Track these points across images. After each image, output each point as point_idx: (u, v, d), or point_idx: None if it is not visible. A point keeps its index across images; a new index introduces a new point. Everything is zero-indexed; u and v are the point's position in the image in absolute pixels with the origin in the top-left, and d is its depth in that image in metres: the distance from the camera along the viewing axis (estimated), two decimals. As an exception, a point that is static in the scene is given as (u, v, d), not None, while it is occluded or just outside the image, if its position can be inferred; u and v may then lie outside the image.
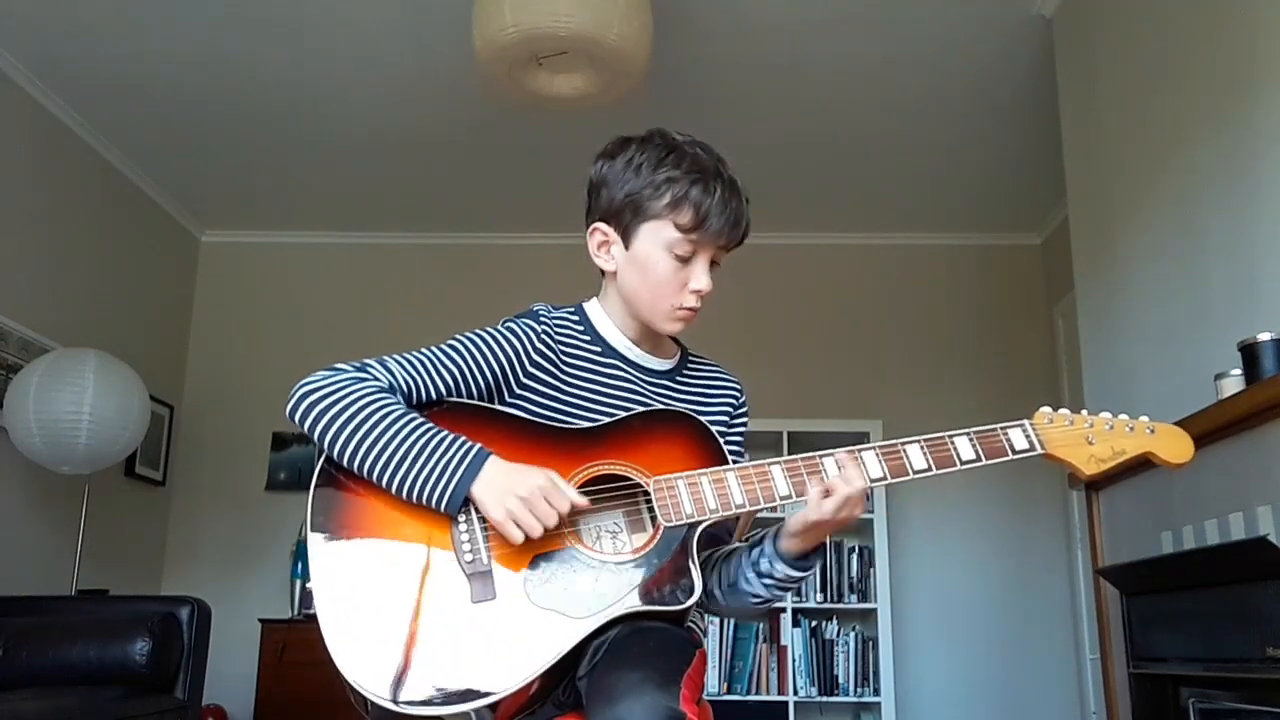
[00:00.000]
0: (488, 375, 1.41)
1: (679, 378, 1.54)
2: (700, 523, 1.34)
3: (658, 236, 1.41)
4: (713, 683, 4.60)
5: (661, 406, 1.47)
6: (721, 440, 1.43)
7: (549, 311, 1.49)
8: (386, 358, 1.38)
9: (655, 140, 1.44)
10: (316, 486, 1.33)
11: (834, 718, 4.85)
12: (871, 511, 4.81)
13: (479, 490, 1.28)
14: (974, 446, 1.38)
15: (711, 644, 4.63)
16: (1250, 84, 2.37)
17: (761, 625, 4.76)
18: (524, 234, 5.32)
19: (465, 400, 1.41)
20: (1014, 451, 1.39)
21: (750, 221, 1.46)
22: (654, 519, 1.35)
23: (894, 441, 1.39)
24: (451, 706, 1.19)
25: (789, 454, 1.39)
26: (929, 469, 1.37)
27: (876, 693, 4.64)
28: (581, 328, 1.49)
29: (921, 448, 1.38)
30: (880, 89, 4.07)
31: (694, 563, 1.32)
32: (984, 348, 5.21)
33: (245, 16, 3.62)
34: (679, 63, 3.83)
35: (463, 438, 1.31)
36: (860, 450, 1.38)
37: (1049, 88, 3.65)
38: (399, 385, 1.36)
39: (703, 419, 1.44)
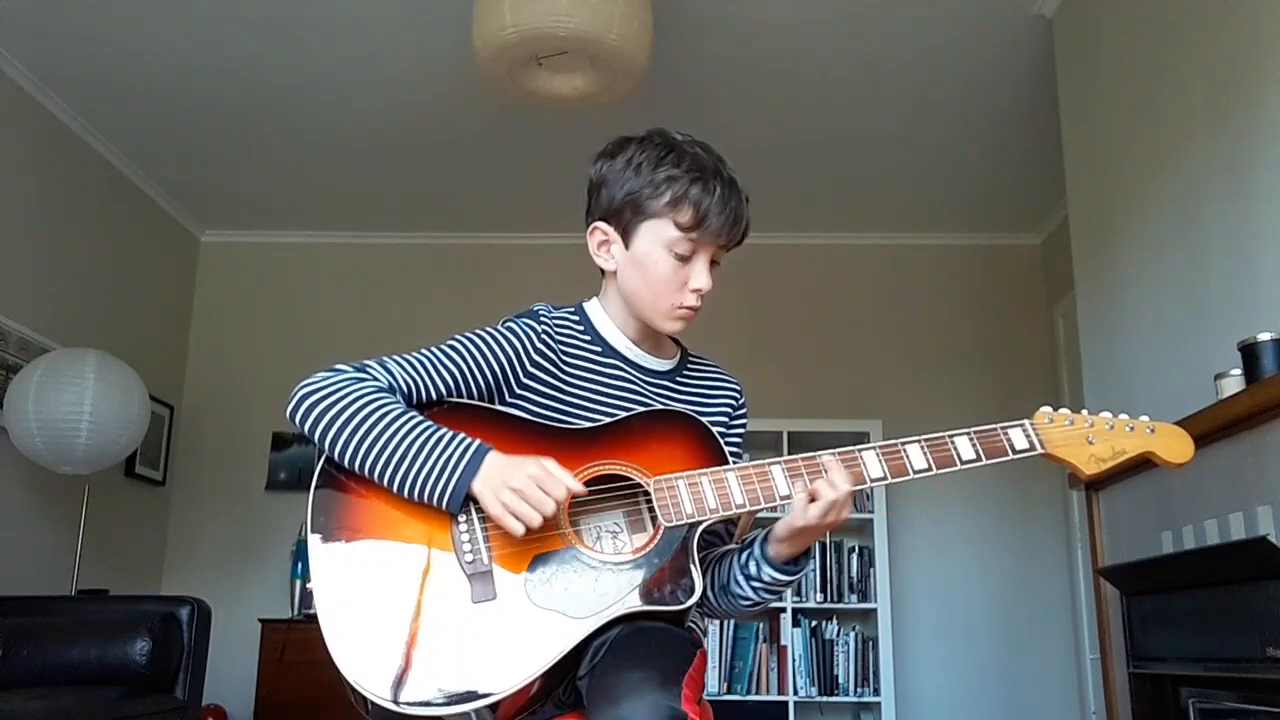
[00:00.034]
0: (488, 375, 1.41)
1: (679, 378, 1.54)
2: (701, 523, 1.34)
3: (658, 235, 1.41)
4: (713, 683, 4.60)
5: (661, 406, 1.47)
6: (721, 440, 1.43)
7: (549, 311, 1.49)
8: (386, 358, 1.38)
9: (655, 140, 1.44)
10: (317, 487, 1.33)
11: (834, 718, 4.85)
12: (871, 511, 4.81)
13: (478, 486, 1.28)
14: (974, 446, 1.39)
15: (711, 644, 4.63)
16: (1250, 84, 2.37)
17: (761, 625, 4.76)
18: (524, 234, 5.32)
19: (465, 400, 1.41)
20: (1014, 451, 1.39)
21: (750, 221, 1.46)
22: (654, 519, 1.35)
23: (894, 441, 1.39)
24: (452, 707, 1.19)
25: (789, 454, 1.39)
26: (929, 469, 1.37)
27: (876, 693, 4.64)
28: (581, 328, 1.49)
29: (922, 447, 1.38)
30: (880, 89, 4.07)
31: (694, 563, 1.32)
32: (984, 348, 5.21)
33: (245, 17, 3.62)
34: (679, 63, 3.83)
35: (463, 434, 1.31)
36: (860, 450, 1.38)
37: (1049, 88, 3.65)
38: (399, 386, 1.36)
39: (702, 419, 1.44)
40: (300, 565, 4.66)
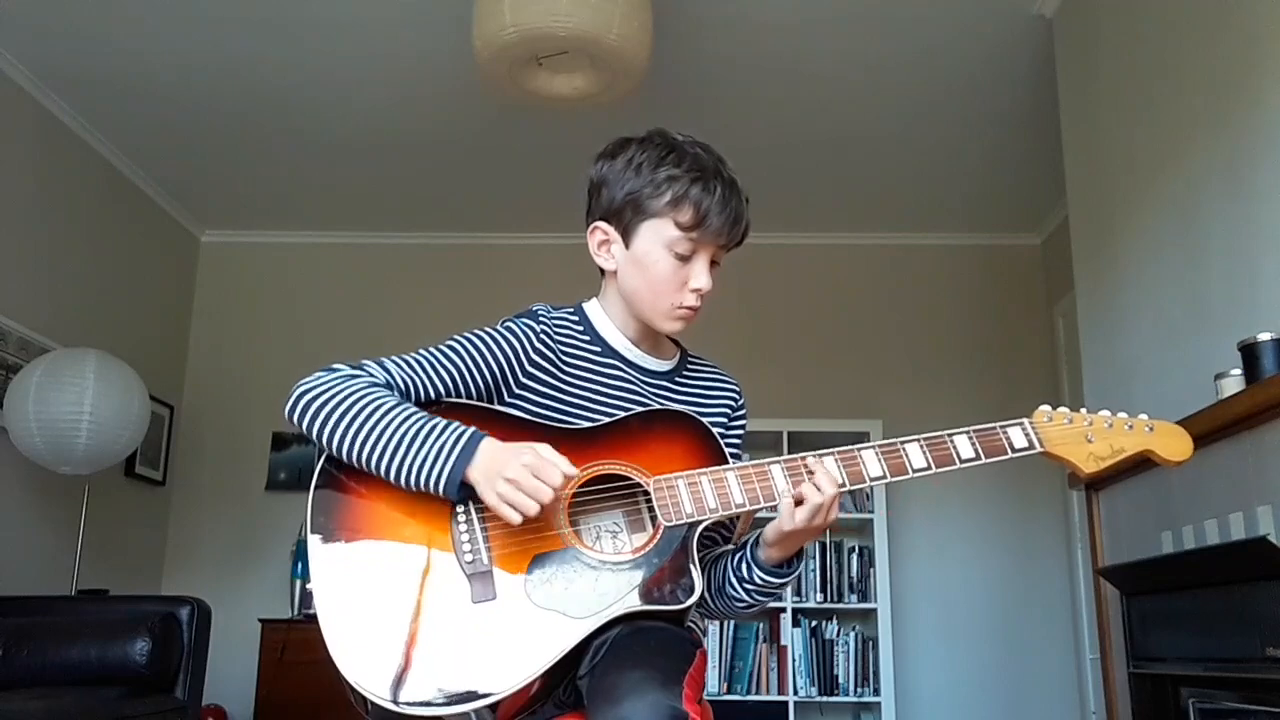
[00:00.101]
0: (486, 375, 1.41)
1: (678, 378, 1.54)
2: (700, 522, 1.34)
3: (658, 235, 1.42)
4: (713, 683, 4.60)
5: (661, 406, 1.47)
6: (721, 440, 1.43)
7: (548, 312, 1.49)
8: (384, 358, 1.39)
9: (656, 140, 1.45)
10: (316, 487, 1.33)
11: (834, 718, 4.85)
12: (871, 511, 4.81)
13: (474, 474, 1.28)
14: (973, 445, 1.39)
15: (711, 644, 4.63)
16: (1250, 84, 2.37)
17: (761, 625, 4.76)
18: (524, 234, 5.32)
19: (464, 400, 1.41)
20: (1013, 450, 1.40)
21: (750, 222, 1.46)
22: (654, 519, 1.35)
23: (894, 440, 1.39)
24: (452, 707, 1.19)
25: (789, 454, 1.39)
26: (928, 468, 1.37)
27: (876, 693, 4.64)
28: (581, 328, 1.50)
29: (921, 446, 1.38)
30: (880, 89, 4.07)
31: (694, 562, 1.32)
32: (984, 348, 5.21)
33: (245, 17, 3.62)
34: (679, 63, 3.83)
35: (458, 423, 1.31)
36: (860, 449, 1.38)
37: (1049, 88, 3.65)
38: (396, 384, 1.36)
39: (702, 419, 1.44)
40: (300, 565, 4.66)
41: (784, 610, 4.71)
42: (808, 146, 4.53)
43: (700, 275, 1.43)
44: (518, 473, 1.26)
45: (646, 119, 1.65)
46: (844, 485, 1.35)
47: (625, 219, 1.44)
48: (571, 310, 1.52)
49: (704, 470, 1.37)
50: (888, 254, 5.37)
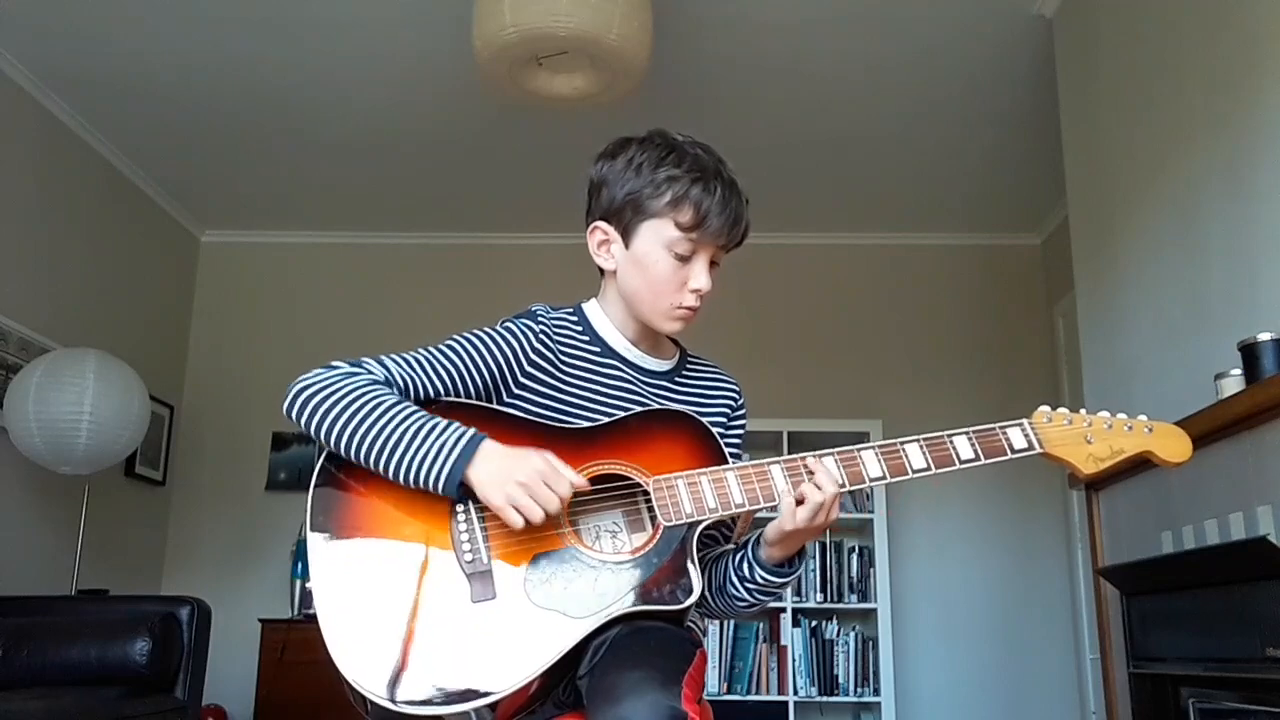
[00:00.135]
0: (485, 375, 1.41)
1: (677, 378, 1.54)
2: (700, 522, 1.34)
3: (658, 235, 1.42)
4: (713, 683, 4.60)
5: (660, 406, 1.47)
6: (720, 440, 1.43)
7: (547, 312, 1.49)
8: (383, 356, 1.39)
9: (656, 140, 1.45)
10: (316, 486, 1.33)
11: (834, 718, 4.85)
12: (871, 511, 4.81)
13: (476, 474, 1.28)
14: (973, 446, 1.39)
15: (711, 644, 4.63)
16: (1250, 84, 2.37)
17: (761, 625, 4.76)
18: (524, 234, 5.32)
19: (463, 399, 1.41)
20: (1013, 450, 1.40)
21: (750, 223, 1.46)
22: (654, 519, 1.35)
23: (893, 441, 1.39)
24: (451, 706, 1.19)
25: (789, 454, 1.39)
26: (928, 468, 1.37)
27: (876, 693, 4.64)
28: (580, 328, 1.50)
29: (921, 447, 1.38)
30: (880, 89, 4.07)
31: (693, 562, 1.32)
32: (984, 348, 5.21)
33: (245, 17, 3.62)
34: (679, 63, 3.83)
35: (457, 423, 1.31)
36: (859, 450, 1.38)
37: (1049, 88, 3.65)
38: (395, 382, 1.36)
39: (701, 419, 1.44)
40: (300, 565, 4.66)
41: (784, 610, 4.71)
42: (808, 146, 4.53)
43: (700, 275, 1.43)
44: (530, 478, 1.27)
45: (646, 119, 1.65)
46: (844, 485, 1.35)
47: (625, 219, 1.44)
48: (571, 310, 1.52)
49: (703, 470, 1.37)
50: (888, 254, 5.37)
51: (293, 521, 4.86)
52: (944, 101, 4.15)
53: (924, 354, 5.21)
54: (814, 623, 4.76)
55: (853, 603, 4.77)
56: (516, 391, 1.43)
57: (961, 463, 1.38)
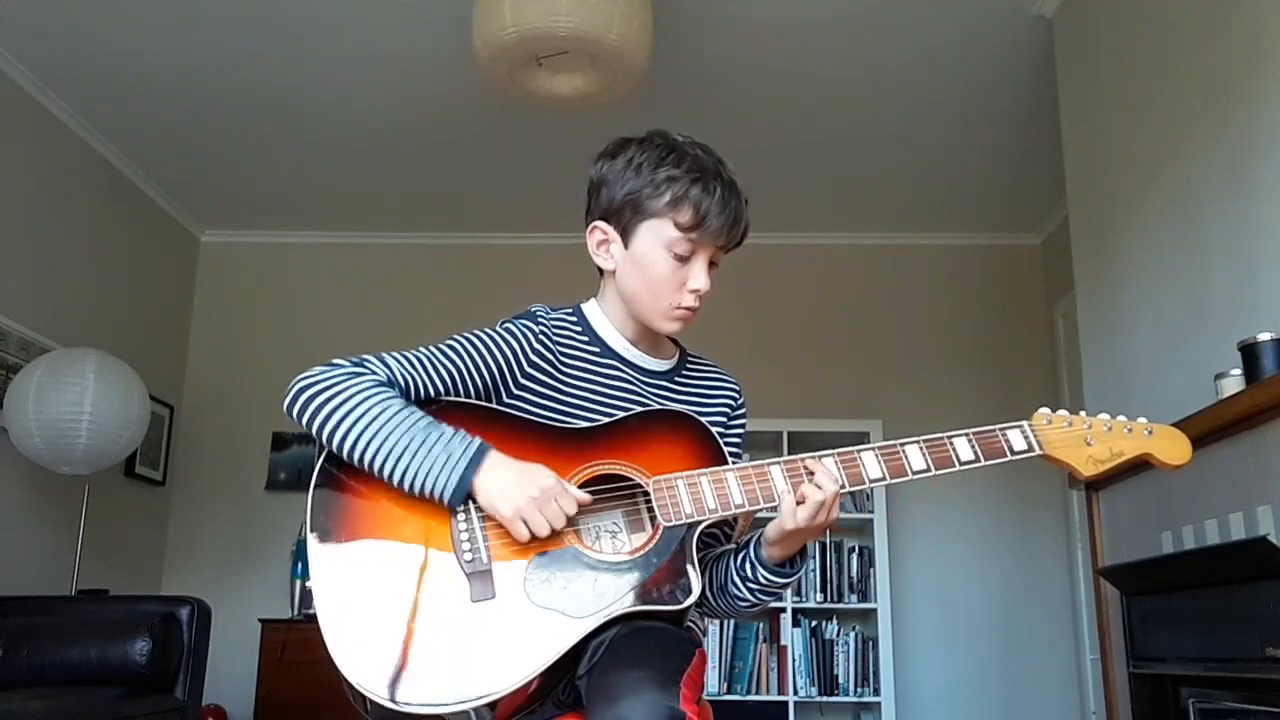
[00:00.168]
0: (485, 375, 1.41)
1: (677, 378, 1.54)
2: (699, 522, 1.34)
3: (657, 235, 1.42)
4: (713, 683, 4.60)
5: (660, 406, 1.47)
6: (720, 440, 1.43)
7: (547, 313, 1.49)
8: (384, 354, 1.38)
9: (656, 140, 1.45)
10: (316, 486, 1.33)
11: (834, 718, 4.85)
12: (871, 511, 4.81)
13: (483, 484, 1.28)
14: (973, 447, 1.39)
15: (711, 644, 4.63)
16: (1250, 84, 2.37)
17: (761, 625, 4.76)
18: (524, 234, 5.32)
19: (463, 400, 1.41)
20: (1012, 452, 1.40)
21: (749, 223, 1.46)
22: (653, 519, 1.35)
23: (893, 442, 1.39)
24: (450, 705, 1.19)
25: (789, 454, 1.39)
26: (928, 470, 1.37)
27: (876, 693, 4.64)
28: (579, 328, 1.50)
29: (920, 448, 1.38)
30: (880, 89, 4.07)
31: (693, 563, 1.32)
32: (984, 348, 5.21)
33: (245, 17, 3.62)
34: (679, 63, 3.83)
35: (463, 431, 1.32)
36: (859, 451, 1.38)
37: (1049, 88, 3.65)
38: (396, 381, 1.36)
39: (701, 419, 1.44)
40: (300, 565, 4.66)
41: (784, 610, 4.71)
42: (808, 146, 4.53)
43: (699, 276, 1.43)
44: (542, 492, 1.28)
45: (646, 119, 1.66)
46: (844, 486, 1.36)
47: (624, 219, 1.44)
48: (570, 311, 1.52)
49: (703, 471, 1.37)
50: (888, 254, 5.37)
51: (293, 521, 4.86)
52: (944, 101, 4.15)
53: (924, 354, 5.21)
54: (814, 623, 4.76)
55: (853, 603, 4.77)
56: (516, 392, 1.43)
57: (961, 464, 1.38)
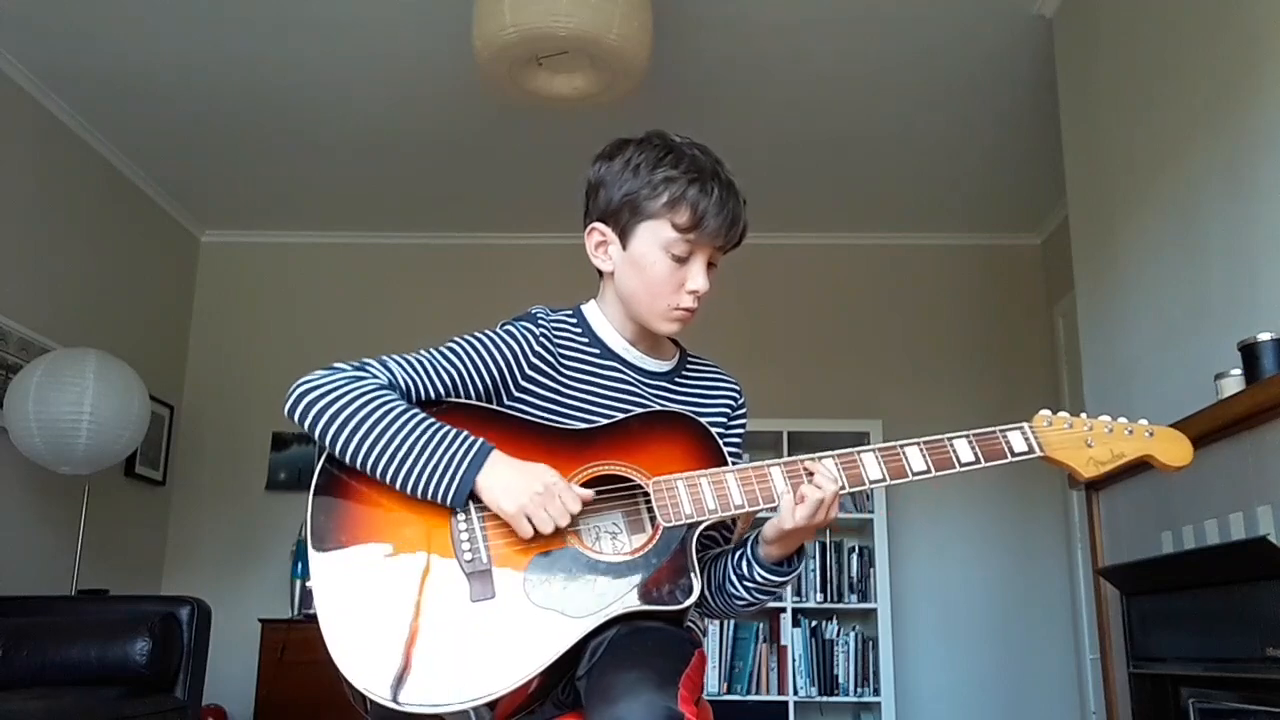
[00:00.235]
0: (486, 378, 1.41)
1: (677, 379, 1.54)
2: (699, 523, 1.34)
3: (655, 236, 1.42)
4: (713, 683, 4.60)
5: (660, 407, 1.47)
6: (720, 441, 1.43)
7: (547, 314, 1.49)
8: (385, 357, 1.39)
9: (654, 141, 1.45)
10: (316, 486, 1.33)
11: (834, 718, 4.85)
12: (871, 511, 4.82)
13: (486, 483, 1.29)
14: (973, 449, 1.39)
15: (711, 644, 4.63)
16: (1250, 84, 2.37)
17: (761, 625, 4.76)
18: (524, 234, 5.32)
19: (465, 401, 1.41)
20: (1013, 454, 1.40)
21: (747, 223, 1.46)
22: (653, 519, 1.35)
23: (893, 443, 1.39)
24: (450, 705, 1.19)
25: (789, 454, 1.39)
26: (928, 471, 1.37)
27: (876, 693, 4.64)
28: (579, 330, 1.50)
29: (921, 449, 1.38)
30: (880, 89, 4.06)
31: (693, 563, 1.32)
32: (984, 348, 5.21)
33: (246, 17, 3.62)
34: (679, 63, 3.83)
35: (465, 432, 1.32)
36: (859, 452, 1.38)
37: (1049, 88, 3.65)
38: (398, 384, 1.36)
39: (701, 419, 1.44)
40: (300, 565, 4.66)
41: (784, 610, 4.71)
42: (808, 146, 4.53)
43: (697, 277, 1.43)
44: (546, 488, 1.28)
45: (646, 119, 1.65)
46: (843, 487, 1.36)
47: (622, 220, 1.44)
48: (570, 312, 1.52)
49: (703, 471, 1.37)
50: (888, 254, 5.37)
51: (293, 521, 4.86)
52: (944, 101, 4.15)
53: (924, 354, 5.21)
54: (814, 623, 4.76)
55: (853, 603, 4.77)
56: (518, 394, 1.43)
57: (961, 465, 1.38)
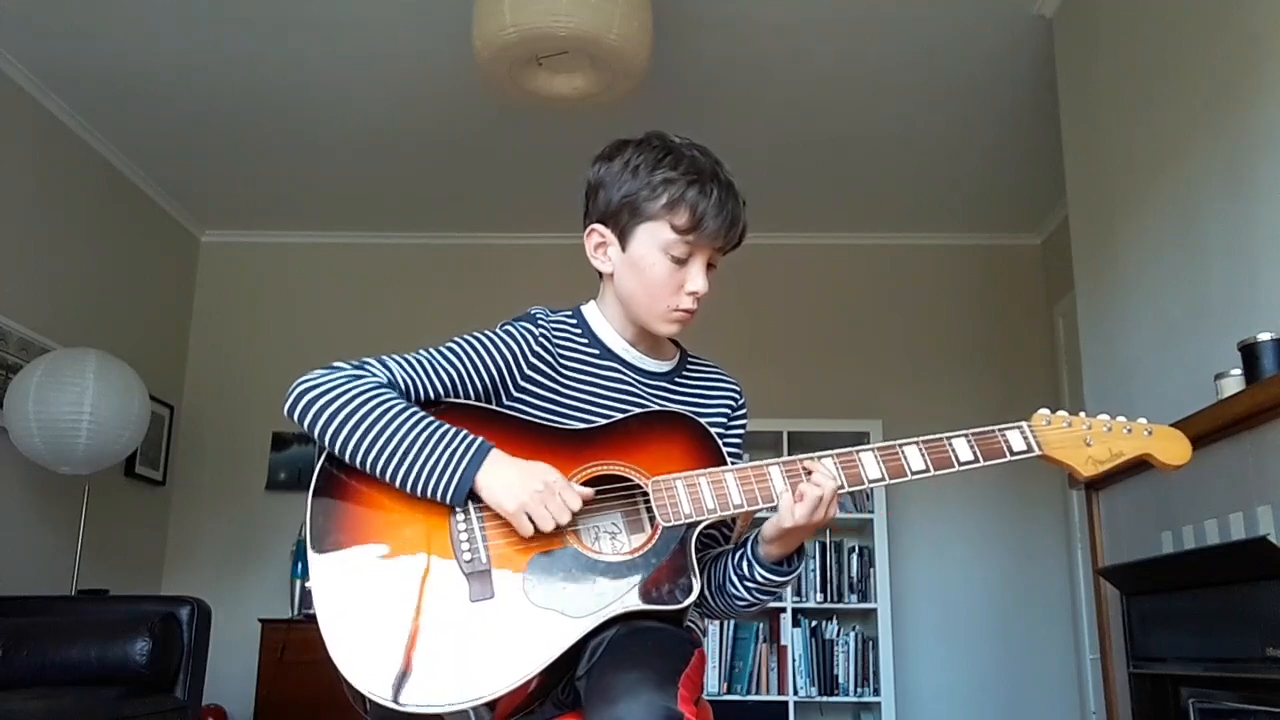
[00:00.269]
0: (485, 378, 1.41)
1: (677, 379, 1.54)
2: (698, 523, 1.34)
3: (654, 238, 1.41)
4: (713, 683, 4.60)
5: (659, 407, 1.47)
6: (720, 441, 1.43)
7: (546, 315, 1.49)
8: (385, 357, 1.39)
9: (653, 142, 1.44)
10: (316, 486, 1.33)
11: (834, 718, 4.85)
12: (871, 511, 4.81)
13: (486, 481, 1.29)
14: (972, 448, 1.39)
15: (711, 644, 4.63)
16: (1250, 84, 2.37)
17: (761, 625, 4.76)
18: (524, 234, 5.32)
19: (464, 401, 1.41)
20: (1012, 453, 1.40)
21: (747, 224, 1.46)
22: (652, 519, 1.35)
23: (892, 443, 1.39)
24: (450, 705, 1.19)
25: (789, 454, 1.39)
26: (927, 470, 1.37)
27: (876, 693, 4.64)
28: (579, 330, 1.50)
29: (920, 449, 1.38)
30: (880, 89, 4.06)
31: (692, 563, 1.32)
32: (984, 348, 5.21)
33: (246, 17, 3.62)
34: (679, 63, 3.83)
35: (465, 430, 1.32)
36: (858, 451, 1.38)
37: (1049, 88, 3.65)
38: (397, 383, 1.36)
39: (701, 420, 1.44)
40: (300, 565, 4.66)
41: (784, 610, 4.71)
42: (808, 146, 4.53)
43: (696, 278, 1.43)
44: (546, 486, 1.28)
45: (646, 119, 1.65)
46: (843, 487, 1.36)
47: (622, 222, 1.44)
48: (570, 313, 1.52)
49: (702, 471, 1.37)
50: (888, 254, 5.37)
51: (293, 521, 4.87)
52: (944, 101, 4.15)
53: (924, 354, 5.21)
54: (814, 623, 4.76)
55: (853, 603, 4.77)
56: (517, 395, 1.43)
57: (960, 465, 1.38)
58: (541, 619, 1.25)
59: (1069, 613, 4.87)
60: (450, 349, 1.42)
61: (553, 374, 1.45)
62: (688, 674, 1.23)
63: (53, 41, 3.78)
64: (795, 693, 4.63)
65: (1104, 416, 1.43)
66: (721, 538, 1.53)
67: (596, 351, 1.49)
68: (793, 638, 4.69)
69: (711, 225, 1.40)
